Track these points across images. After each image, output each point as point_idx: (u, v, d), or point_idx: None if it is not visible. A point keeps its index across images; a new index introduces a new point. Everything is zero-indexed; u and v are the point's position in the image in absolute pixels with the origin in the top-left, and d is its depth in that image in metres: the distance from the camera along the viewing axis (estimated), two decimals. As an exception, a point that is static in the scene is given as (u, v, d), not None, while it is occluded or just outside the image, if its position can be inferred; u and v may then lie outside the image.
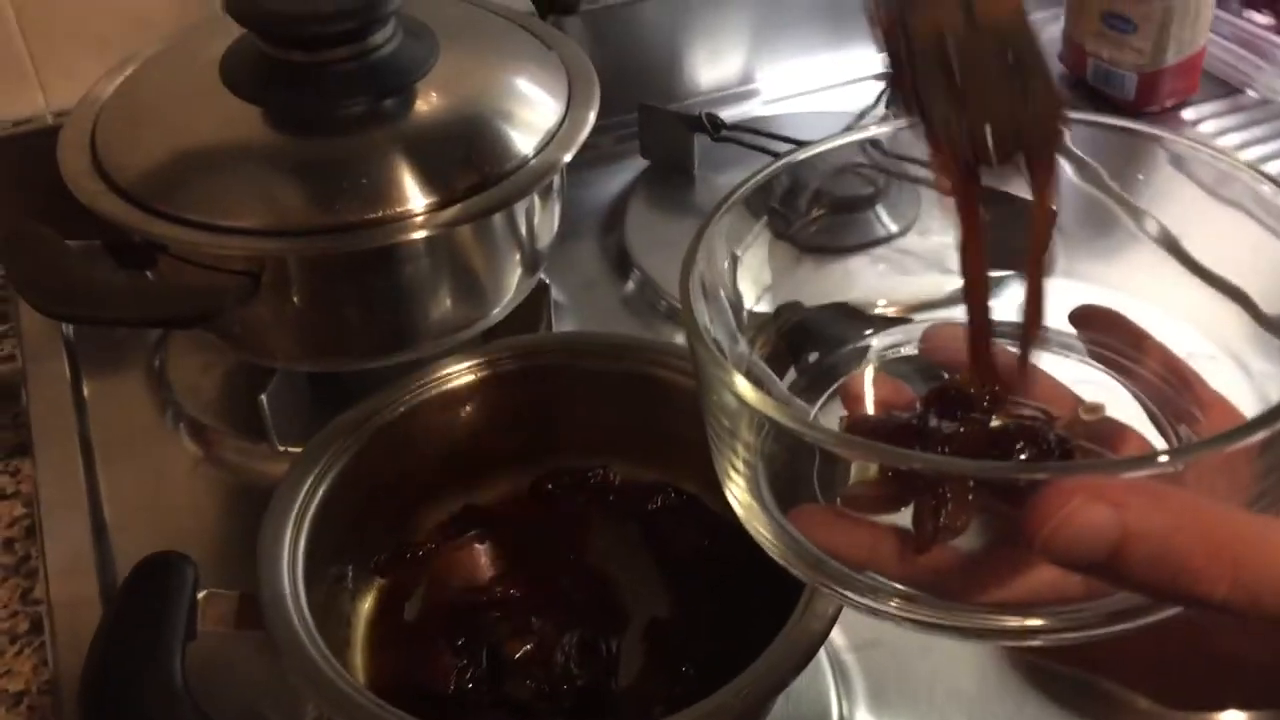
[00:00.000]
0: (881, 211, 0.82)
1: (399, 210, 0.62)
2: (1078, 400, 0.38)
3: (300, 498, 0.50)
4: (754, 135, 0.84)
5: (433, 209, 0.62)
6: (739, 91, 1.00)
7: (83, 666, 0.44)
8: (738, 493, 0.35)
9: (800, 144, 0.84)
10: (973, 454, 0.34)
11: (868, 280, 0.79)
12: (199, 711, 0.43)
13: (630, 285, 0.83)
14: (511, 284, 0.71)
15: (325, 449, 0.52)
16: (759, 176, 0.42)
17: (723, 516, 0.55)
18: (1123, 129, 0.42)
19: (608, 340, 0.60)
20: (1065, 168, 0.39)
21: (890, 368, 0.46)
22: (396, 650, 0.53)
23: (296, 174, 0.63)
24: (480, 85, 0.68)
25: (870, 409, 0.41)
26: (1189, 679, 0.37)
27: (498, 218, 0.67)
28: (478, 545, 0.57)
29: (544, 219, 0.71)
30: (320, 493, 0.51)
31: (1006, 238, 0.40)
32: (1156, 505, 0.26)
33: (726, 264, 0.43)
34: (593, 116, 0.69)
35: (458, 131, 0.66)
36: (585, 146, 0.97)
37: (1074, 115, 0.38)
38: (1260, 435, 0.28)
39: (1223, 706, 0.34)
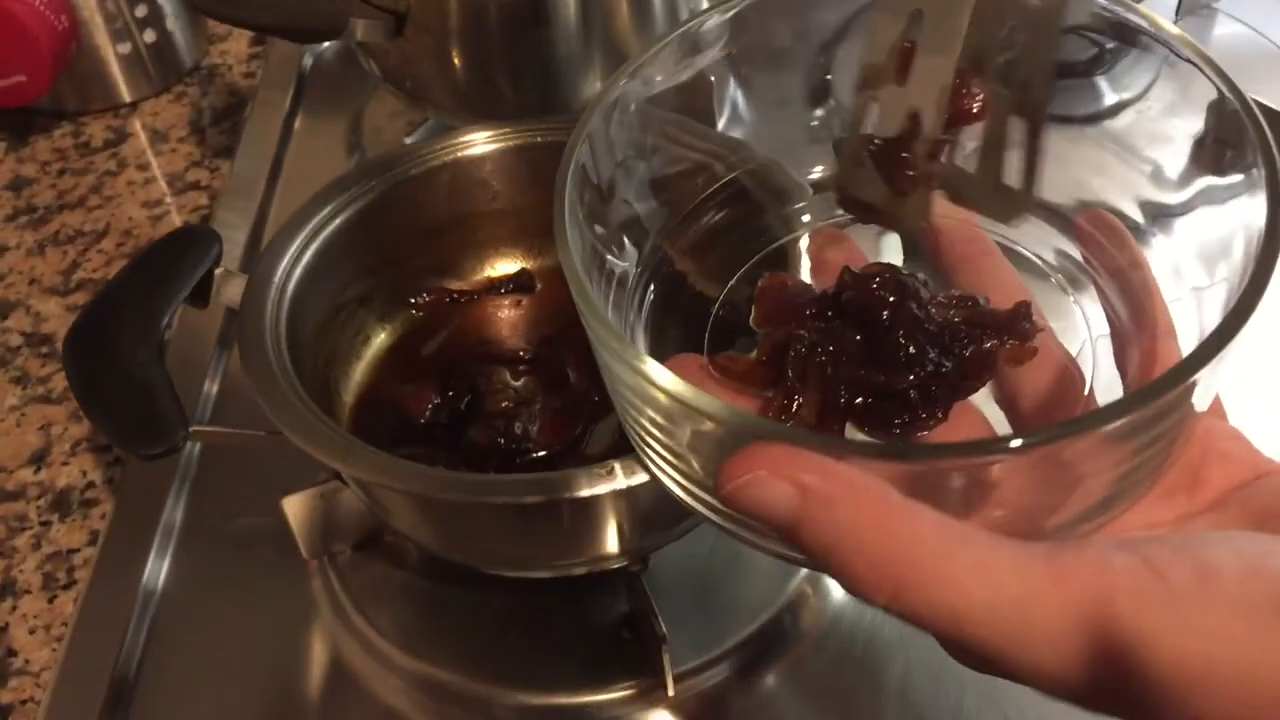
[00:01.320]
0: (1102, 82, 0.73)
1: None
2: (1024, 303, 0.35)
3: (326, 209, 0.53)
4: (997, -19, 0.76)
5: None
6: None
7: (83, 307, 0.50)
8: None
9: None
10: (853, 350, 0.32)
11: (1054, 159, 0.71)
12: (160, 365, 0.47)
13: (819, 111, 0.79)
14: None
15: (366, 173, 0.54)
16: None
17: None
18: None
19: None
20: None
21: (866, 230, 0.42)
22: (395, 375, 0.55)
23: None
24: None
25: (818, 270, 0.38)
26: None
27: (657, -3, 0.66)
28: (512, 308, 0.58)
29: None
30: (351, 210, 0.54)
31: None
32: (840, 499, 0.24)
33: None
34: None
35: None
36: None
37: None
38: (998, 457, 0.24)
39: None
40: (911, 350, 0.31)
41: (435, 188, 0.56)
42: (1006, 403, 0.32)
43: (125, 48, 0.82)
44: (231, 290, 0.52)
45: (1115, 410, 0.24)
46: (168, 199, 0.77)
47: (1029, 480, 0.26)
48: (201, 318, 0.63)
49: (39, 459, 0.62)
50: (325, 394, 0.52)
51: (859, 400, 0.32)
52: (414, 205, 0.56)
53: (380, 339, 0.56)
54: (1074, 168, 0.70)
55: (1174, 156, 0.69)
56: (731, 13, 0.40)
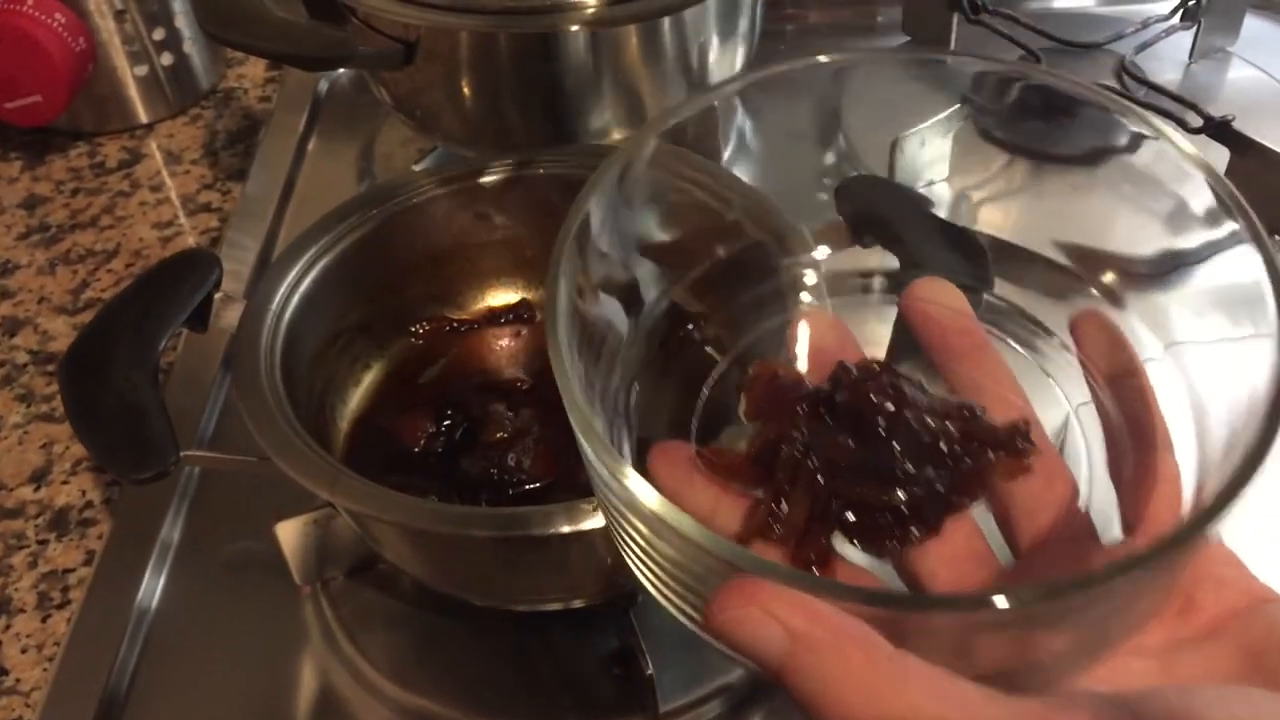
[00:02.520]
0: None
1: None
2: (1023, 411, 0.33)
3: (327, 236, 0.53)
4: (1009, 23, 0.76)
5: (599, 5, 0.62)
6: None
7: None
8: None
9: (1057, 41, 0.75)
10: (845, 458, 0.31)
11: (1075, 200, 0.70)
12: (155, 386, 0.47)
13: (829, 150, 0.78)
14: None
15: (368, 201, 0.55)
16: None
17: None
18: None
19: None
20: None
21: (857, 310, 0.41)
22: (393, 402, 0.55)
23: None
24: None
25: (809, 355, 0.37)
26: None
27: (667, 31, 0.66)
28: (511, 339, 0.58)
29: (722, 52, 0.69)
30: (352, 238, 0.54)
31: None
32: (827, 647, 0.23)
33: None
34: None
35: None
36: (863, 13, 0.92)
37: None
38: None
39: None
40: (908, 466, 0.30)
41: (437, 217, 0.56)
42: (998, 513, 0.31)
43: (143, 70, 0.83)
44: (231, 315, 0.52)
45: (1119, 567, 0.23)
46: (179, 220, 0.77)
47: (1023, 630, 0.25)
48: (207, 340, 0.63)
49: (39, 477, 0.62)
50: (321, 420, 0.52)
51: (849, 511, 0.30)
52: (415, 234, 0.56)
53: (378, 367, 0.56)
54: (1093, 203, 0.69)
55: (1197, 192, 0.68)
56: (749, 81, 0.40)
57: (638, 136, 0.35)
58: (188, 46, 0.85)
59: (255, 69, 0.90)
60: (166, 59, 0.83)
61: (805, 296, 0.43)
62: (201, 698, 0.53)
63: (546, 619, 0.53)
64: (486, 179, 0.56)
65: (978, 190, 0.71)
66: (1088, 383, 0.34)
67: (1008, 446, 0.31)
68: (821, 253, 0.45)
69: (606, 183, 0.34)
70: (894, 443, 0.30)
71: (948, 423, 0.31)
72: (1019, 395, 0.34)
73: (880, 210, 0.50)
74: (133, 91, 0.84)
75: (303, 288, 0.51)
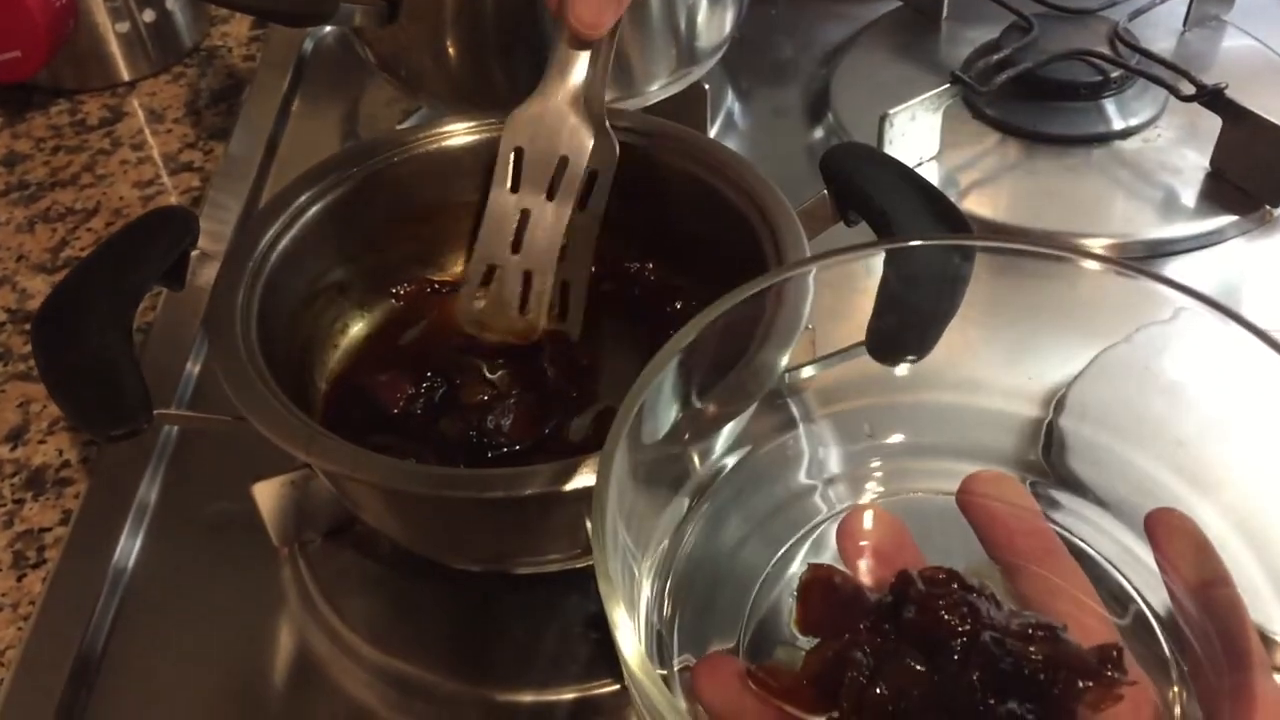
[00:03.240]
0: (1109, 105, 0.71)
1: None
2: (1108, 630, 0.31)
3: (307, 193, 0.52)
4: (1002, -15, 0.75)
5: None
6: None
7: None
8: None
9: (1050, 6, 0.74)
10: (918, 685, 0.28)
11: (1058, 176, 0.69)
12: (129, 343, 0.47)
13: (818, 125, 0.78)
14: (661, 71, 0.68)
15: (349, 159, 0.54)
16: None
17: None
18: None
19: (666, 130, 0.56)
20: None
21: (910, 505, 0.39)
22: (372, 363, 0.54)
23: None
24: None
25: (862, 557, 0.35)
26: None
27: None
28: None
29: (710, 13, 0.68)
30: (332, 195, 0.53)
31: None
32: None
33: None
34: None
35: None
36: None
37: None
38: None
39: None
40: (990, 700, 0.27)
41: (419, 176, 0.55)
42: None
43: (124, 26, 0.82)
44: (208, 273, 0.51)
45: None
46: (161, 179, 0.76)
47: None
48: (187, 299, 0.62)
49: (16, 436, 0.61)
50: (300, 381, 0.52)
51: None
52: (397, 193, 0.55)
53: (358, 327, 0.56)
54: (1082, 192, 0.69)
55: (1184, 186, 0.67)
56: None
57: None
58: (170, 3, 0.83)
59: (239, 27, 0.89)
60: (149, 16, 0.82)
61: (855, 492, 0.41)
62: (177, 658, 0.52)
63: (523, 582, 0.53)
64: (471, 138, 0.56)
65: (969, 169, 0.71)
66: (1167, 588, 0.32)
67: (1097, 675, 0.28)
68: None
69: (654, 385, 0.33)
70: (973, 670, 0.28)
71: (1030, 647, 0.28)
72: (1099, 606, 0.31)
73: (864, 181, 0.50)
74: (114, 48, 0.83)
75: (282, 245, 0.51)
